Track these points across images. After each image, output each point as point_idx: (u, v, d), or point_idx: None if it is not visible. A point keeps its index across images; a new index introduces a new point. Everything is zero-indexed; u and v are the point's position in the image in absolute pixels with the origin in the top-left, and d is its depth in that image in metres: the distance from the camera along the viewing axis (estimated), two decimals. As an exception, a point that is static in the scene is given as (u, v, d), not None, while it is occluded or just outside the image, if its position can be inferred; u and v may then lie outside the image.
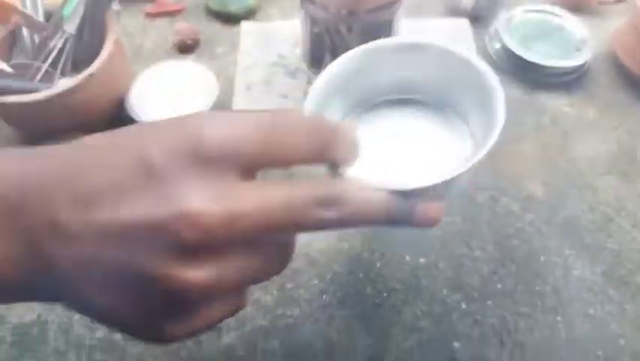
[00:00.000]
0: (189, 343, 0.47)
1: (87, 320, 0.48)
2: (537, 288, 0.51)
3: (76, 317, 0.49)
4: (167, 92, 0.62)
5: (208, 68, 0.64)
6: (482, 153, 0.31)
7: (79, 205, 0.23)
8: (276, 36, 0.72)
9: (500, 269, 0.52)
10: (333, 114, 0.38)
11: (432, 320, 0.49)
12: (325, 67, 0.46)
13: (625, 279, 0.51)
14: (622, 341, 0.47)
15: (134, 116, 0.60)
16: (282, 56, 0.69)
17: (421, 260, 0.52)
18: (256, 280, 0.26)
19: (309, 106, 0.34)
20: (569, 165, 0.60)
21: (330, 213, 0.26)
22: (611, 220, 0.55)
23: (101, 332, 0.48)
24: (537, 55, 0.66)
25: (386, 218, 0.28)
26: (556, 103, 0.67)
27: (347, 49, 0.56)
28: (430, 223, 0.29)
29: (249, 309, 0.49)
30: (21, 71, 0.56)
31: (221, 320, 0.26)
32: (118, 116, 0.62)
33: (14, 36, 0.60)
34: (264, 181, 0.25)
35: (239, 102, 0.64)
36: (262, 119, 0.25)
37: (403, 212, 0.28)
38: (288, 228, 0.25)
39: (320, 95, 0.36)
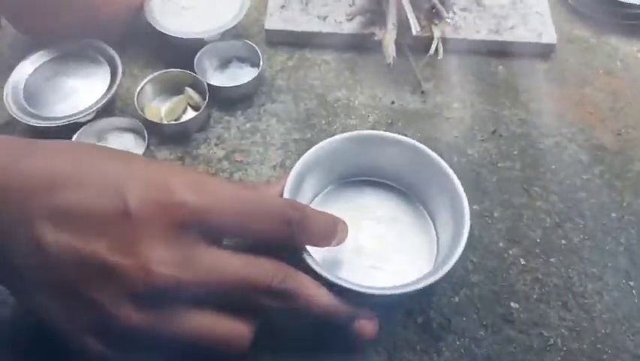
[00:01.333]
0: None
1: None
2: (607, 247, 0.44)
3: None
4: (192, 3, 0.55)
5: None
6: (442, 272, 0.35)
7: (52, 219, 0.25)
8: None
9: (566, 223, 0.45)
10: (306, 192, 0.42)
11: (485, 275, 0.42)
12: None
13: None
14: None
15: (152, 22, 0.52)
16: (322, -25, 0.61)
17: (474, 207, 0.45)
18: (192, 343, 0.28)
19: (288, 186, 0.38)
20: (644, 115, 0.53)
21: (275, 303, 0.29)
22: (693, 179, 0.48)
23: None
24: (613, -9, 0.58)
25: (327, 320, 0.31)
26: (630, 48, 0.59)
27: None
28: (362, 338, 0.34)
29: None
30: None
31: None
32: (135, 23, 0.55)
33: None
34: (226, 252, 0.28)
35: (272, 22, 0.57)
36: (240, 198, 0.28)
37: (343, 320, 0.33)
38: (234, 304, 0.28)
39: (298, 176, 0.39)
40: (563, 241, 0.44)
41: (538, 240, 0.44)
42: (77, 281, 0.25)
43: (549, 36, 0.56)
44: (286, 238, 0.31)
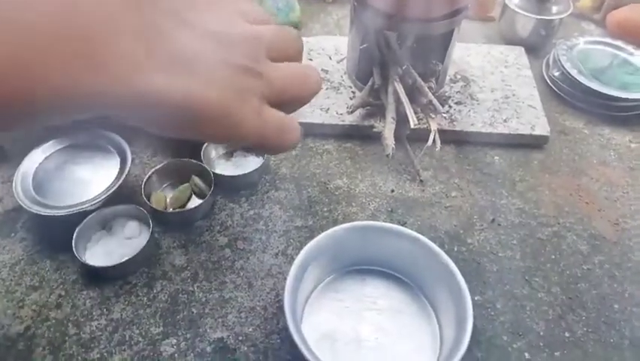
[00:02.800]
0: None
1: (82, 337, 0.42)
2: (612, 340, 0.43)
3: (72, 332, 0.42)
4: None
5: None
6: None
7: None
8: (320, 50, 0.68)
9: (568, 315, 0.45)
10: (309, 280, 0.42)
11: (489, 369, 0.41)
12: (373, 82, 0.59)
13: None
14: None
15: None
16: (325, 70, 0.65)
17: (476, 298, 0.45)
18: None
19: (290, 275, 0.39)
20: (639, 204, 0.54)
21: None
22: (693, 270, 0.48)
23: (96, 352, 0.41)
24: (600, 84, 0.61)
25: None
26: (622, 138, 0.61)
27: (397, 64, 0.55)
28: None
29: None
30: None
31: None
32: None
33: None
34: None
35: (275, 113, 0.59)
36: None
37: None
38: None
39: (301, 266, 0.40)
40: (567, 334, 0.43)
41: (541, 333, 0.43)
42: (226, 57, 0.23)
43: (542, 128, 0.58)
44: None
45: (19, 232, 0.49)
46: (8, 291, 0.45)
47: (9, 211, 0.51)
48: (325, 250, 0.42)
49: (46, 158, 0.51)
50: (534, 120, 0.59)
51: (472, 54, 0.68)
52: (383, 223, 0.44)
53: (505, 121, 0.59)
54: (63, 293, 0.45)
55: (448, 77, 0.64)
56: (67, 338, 0.42)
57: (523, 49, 0.69)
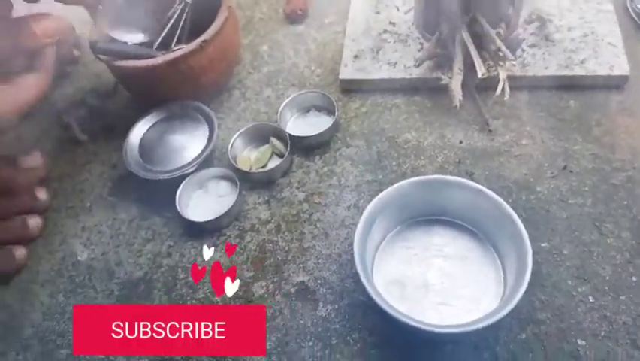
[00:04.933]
0: (286, 311, 0.46)
1: (189, 281, 0.50)
2: (684, 285, 0.43)
3: (181, 276, 0.50)
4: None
5: (316, 37, 0.62)
6: (505, 311, 0.38)
7: None
8: (388, 1, 0.68)
9: (637, 260, 0.45)
10: (377, 231, 0.46)
11: (552, 312, 0.44)
12: (440, 32, 0.59)
13: None
14: None
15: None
16: (392, 23, 0.66)
17: (543, 244, 0.47)
18: None
19: (360, 225, 0.43)
20: None
21: None
22: None
23: (201, 292, 0.49)
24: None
25: None
26: None
27: (464, 12, 0.55)
28: None
29: (348, 282, 0.47)
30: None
31: None
32: (227, 85, 0.63)
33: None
34: None
35: (346, 72, 0.62)
36: None
37: None
38: None
39: (369, 217, 0.44)
40: (634, 278, 0.44)
41: (607, 277, 0.45)
42: None
43: (622, 68, 0.56)
44: None
45: (132, 194, 0.58)
46: (128, 243, 0.54)
47: (123, 176, 0.60)
48: (392, 202, 0.46)
49: (148, 129, 0.59)
50: (613, 60, 0.57)
51: (549, -9, 0.65)
52: (445, 176, 0.46)
53: (582, 62, 0.57)
54: (172, 244, 0.53)
55: (521, 19, 0.62)
56: (177, 281, 0.51)
57: (607, -21, 0.64)
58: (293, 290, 0.48)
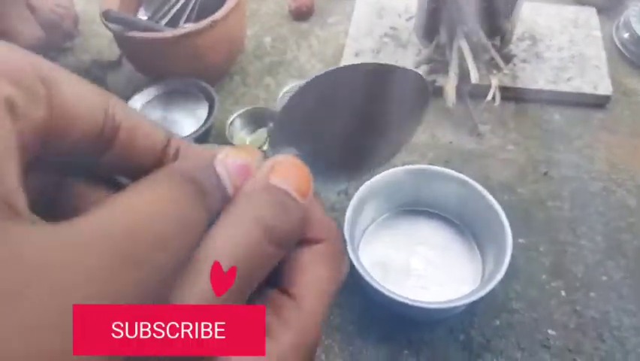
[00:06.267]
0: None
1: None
2: (649, 288, 0.46)
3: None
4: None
5: (319, 34, 0.65)
6: (481, 293, 0.39)
7: None
8: (390, 9, 0.71)
9: (608, 261, 0.48)
10: (365, 216, 0.48)
11: (526, 303, 0.46)
12: (439, 39, 0.61)
13: None
14: None
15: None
16: (394, 28, 0.69)
17: (521, 240, 0.49)
18: None
19: (349, 209, 0.44)
20: (699, 166, 0.55)
21: None
22: None
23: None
24: (674, 47, 0.61)
25: None
26: (690, 102, 0.61)
27: (463, 22, 0.59)
28: None
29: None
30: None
31: None
32: (230, 67, 0.65)
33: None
34: None
35: (346, 68, 0.64)
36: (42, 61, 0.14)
37: None
38: None
39: (359, 201, 0.45)
40: (604, 278, 0.47)
41: (579, 275, 0.47)
42: None
43: (605, 88, 0.60)
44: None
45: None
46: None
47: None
48: (381, 189, 0.48)
49: (147, 102, 0.60)
50: (598, 80, 0.60)
51: (542, 13, 0.69)
52: (435, 167, 0.48)
53: (568, 80, 0.61)
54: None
55: (515, 36, 0.66)
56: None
57: (594, 9, 0.69)
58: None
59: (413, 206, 0.51)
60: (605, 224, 0.50)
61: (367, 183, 0.47)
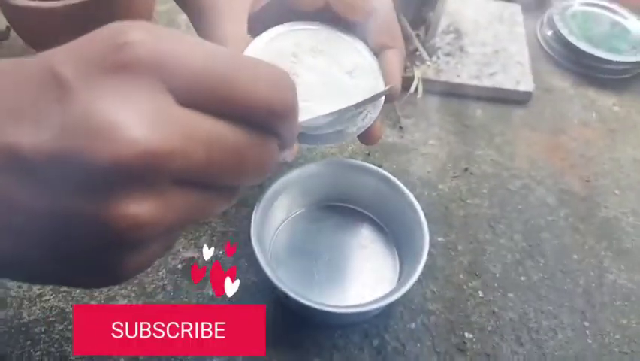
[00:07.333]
0: (169, 287, 0.42)
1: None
2: (565, 287, 0.45)
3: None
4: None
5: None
6: (397, 294, 0.37)
7: None
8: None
9: (526, 261, 0.46)
10: (278, 211, 0.44)
11: (443, 304, 0.43)
12: None
13: (666, 292, 0.45)
14: (657, 359, 0.42)
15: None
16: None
17: (440, 239, 0.47)
18: (193, 220, 0.21)
19: (261, 203, 0.41)
20: (612, 164, 0.55)
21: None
22: (655, 228, 0.50)
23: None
24: (590, 46, 0.61)
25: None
26: (606, 101, 0.61)
27: None
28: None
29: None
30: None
31: (156, 258, 0.21)
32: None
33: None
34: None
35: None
36: (219, 49, 0.20)
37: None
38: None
39: (272, 195, 0.42)
40: (522, 278, 0.45)
41: (497, 275, 0.45)
42: (58, 206, 0.17)
43: (527, 84, 0.59)
44: (274, 114, 0.21)
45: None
46: None
47: None
48: (296, 183, 0.44)
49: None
50: (520, 77, 0.60)
51: (468, 7, 0.68)
52: (353, 160, 0.45)
53: (491, 75, 0.60)
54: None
55: (440, 29, 0.64)
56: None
57: (519, 6, 0.69)
58: (180, 266, 0.44)
59: (330, 202, 0.48)
60: (524, 222, 0.49)
61: (282, 176, 0.43)
